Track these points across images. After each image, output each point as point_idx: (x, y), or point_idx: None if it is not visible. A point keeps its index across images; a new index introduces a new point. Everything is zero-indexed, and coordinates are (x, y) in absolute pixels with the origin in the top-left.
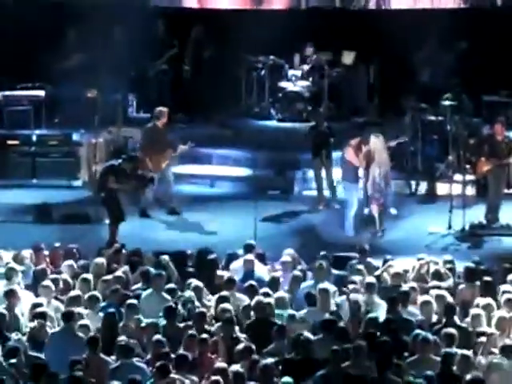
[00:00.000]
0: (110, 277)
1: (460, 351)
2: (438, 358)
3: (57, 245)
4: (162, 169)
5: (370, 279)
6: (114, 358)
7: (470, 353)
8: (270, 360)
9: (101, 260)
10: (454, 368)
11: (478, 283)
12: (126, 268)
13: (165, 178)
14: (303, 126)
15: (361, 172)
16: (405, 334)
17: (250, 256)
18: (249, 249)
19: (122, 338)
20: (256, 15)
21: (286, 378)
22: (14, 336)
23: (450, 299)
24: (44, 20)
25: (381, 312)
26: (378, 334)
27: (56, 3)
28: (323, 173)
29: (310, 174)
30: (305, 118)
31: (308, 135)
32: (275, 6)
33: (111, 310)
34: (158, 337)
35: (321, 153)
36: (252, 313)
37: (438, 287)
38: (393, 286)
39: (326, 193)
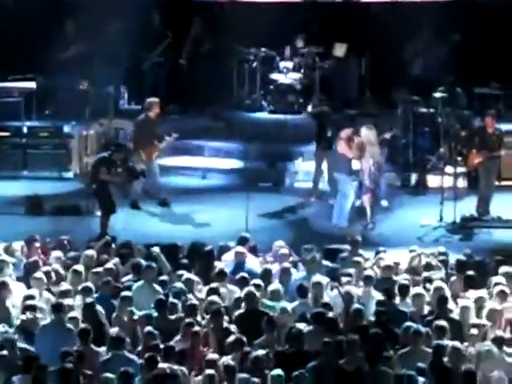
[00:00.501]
0: (100, 269)
1: (451, 343)
2: (430, 350)
3: (48, 240)
4: (153, 160)
5: (368, 272)
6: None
7: (460, 345)
8: (260, 352)
9: (91, 252)
10: (445, 360)
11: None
12: (116, 260)
13: (151, 169)
14: (295, 117)
15: (354, 163)
16: (397, 326)
17: (241, 248)
18: (242, 241)
19: (113, 330)
20: (247, 7)
21: (277, 371)
22: (1, 328)
23: (447, 291)
24: (37, 12)
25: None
26: (368, 325)
27: None
28: (324, 165)
29: (302, 166)
30: (296, 109)
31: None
32: None
33: (89, 299)
34: (149, 328)
35: (321, 144)
36: (242, 304)
37: (430, 279)
38: (383, 279)
39: (321, 185)
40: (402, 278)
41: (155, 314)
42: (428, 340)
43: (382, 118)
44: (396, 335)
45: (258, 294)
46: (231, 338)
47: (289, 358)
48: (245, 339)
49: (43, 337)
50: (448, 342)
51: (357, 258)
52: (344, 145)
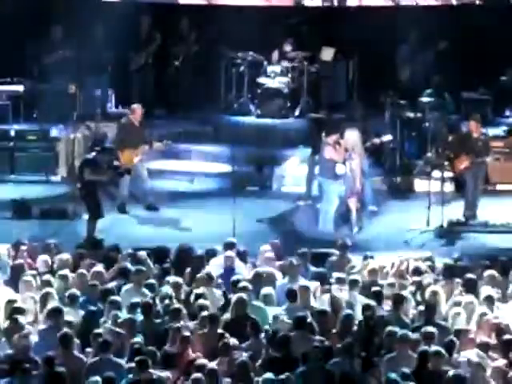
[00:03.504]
0: (87, 272)
1: (434, 348)
2: (415, 355)
3: (35, 244)
4: (133, 163)
5: (354, 276)
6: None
7: (443, 350)
8: (245, 356)
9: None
10: (430, 365)
11: (457, 280)
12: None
13: (138, 173)
14: (282, 122)
15: (340, 168)
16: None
17: (231, 253)
18: (229, 246)
19: (101, 333)
20: (235, 11)
21: (268, 375)
22: None
23: (442, 296)
24: (25, 15)
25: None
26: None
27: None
28: (316, 170)
29: (289, 170)
30: (284, 113)
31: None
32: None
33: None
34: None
35: (317, 149)
36: (231, 309)
37: (419, 283)
38: (369, 282)
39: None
40: (386, 282)
41: (140, 318)
42: (415, 345)
43: (369, 122)
44: (380, 340)
45: (246, 296)
46: (219, 343)
47: (276, 362)
48: (232, 344)
49: (41, 342)
50: (432, 348)
51: (353, 263)
52: (331, 149)
